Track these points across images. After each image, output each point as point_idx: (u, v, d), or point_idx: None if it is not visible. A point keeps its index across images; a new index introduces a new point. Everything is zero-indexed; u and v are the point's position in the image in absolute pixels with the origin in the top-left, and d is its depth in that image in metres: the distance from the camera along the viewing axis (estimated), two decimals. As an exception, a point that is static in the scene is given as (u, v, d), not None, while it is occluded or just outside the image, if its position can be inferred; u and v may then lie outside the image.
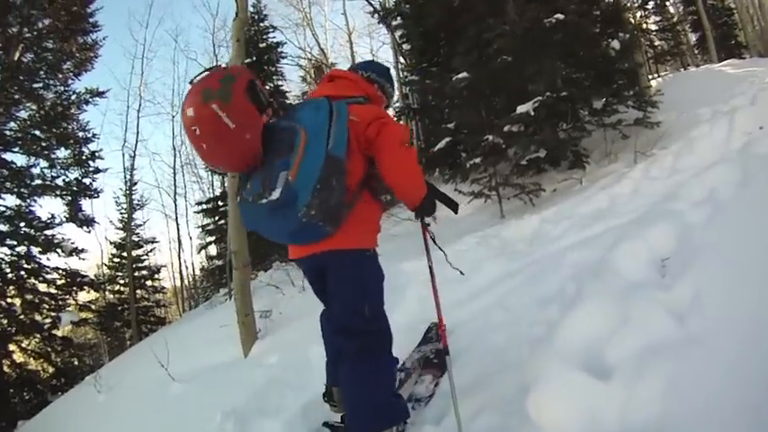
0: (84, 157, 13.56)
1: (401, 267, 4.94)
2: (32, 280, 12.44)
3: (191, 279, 23.46)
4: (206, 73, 2.05)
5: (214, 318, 7.49)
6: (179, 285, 22.96)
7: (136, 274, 18.30)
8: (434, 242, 2.54)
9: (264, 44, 12.72)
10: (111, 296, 18.47)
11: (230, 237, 5.95)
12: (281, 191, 1.88)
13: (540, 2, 6.60)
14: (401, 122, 7.97)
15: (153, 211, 30.67)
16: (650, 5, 18.69)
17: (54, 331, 12.34)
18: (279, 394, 3.58)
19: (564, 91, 6.10)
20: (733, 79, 8.97)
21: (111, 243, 20.03)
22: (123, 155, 19.07)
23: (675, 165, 5.67)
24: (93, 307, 14.39)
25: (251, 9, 13.30)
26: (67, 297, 12.95)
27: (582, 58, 6.89)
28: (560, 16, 6.26)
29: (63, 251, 12.45)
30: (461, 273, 2.79)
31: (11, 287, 12.04)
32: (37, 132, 12.73)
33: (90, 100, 13.83)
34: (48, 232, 12.48)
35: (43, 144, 12.76)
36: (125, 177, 18.99)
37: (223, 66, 2.25)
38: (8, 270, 11.99)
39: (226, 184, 8.35)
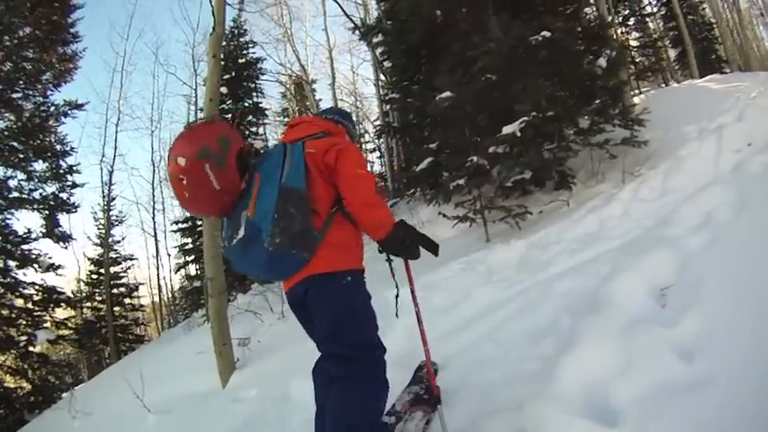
0: (61, 171, 13.39)
1: (385, 295, 4.71)
2: (9, 295, 12.12)
3: (169, 297, 22.97)
4: (202, 125, 2.29)
5: (191, 343, 7.26)
6: (157, 303, 22.45)
7: (114, 291, 17.99)
8: (393, 276, 2.41)
9: (244, 60, 12.49)
10: (89, 313, 18.09)
11: (206, 263, 5.71)
12: (245, 227, 2.01)
13: (525, 19, 6.47)
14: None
15: (131, 227, 30.15)
16: (631, 22, 18.88)
17: (30, 348, 12.00)
18: (258, 432, 3.39)
19: (550, 110, 5.92)
20: (718, 95, 8.92)
21: (88, 259, 19.69)
22: (101, 169, 18.82)
23: (665, 185, 5.54)
24: (69, 324, 14.04)
25: (231, 24, 13.19)
26: (44, 313, 12.64)
27: (567, 76, 6.75)
28: (547, 34, 6.13)
29: (40, 266, 12.23)
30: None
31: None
32: (15, 144, 12.48)
33: (68, 112, 13.68)
34: (24, 247, 12.23)
35: (20, 156, 12.51)
36: (103, 192, 18.72)
37: (217, 120, 2.46)
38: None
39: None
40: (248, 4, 16.74)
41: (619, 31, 16.23)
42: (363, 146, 21.78)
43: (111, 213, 18.67)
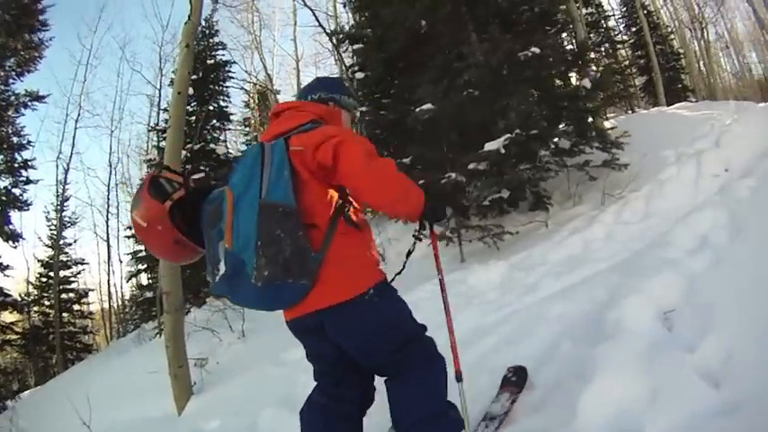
0: (16, 165, 12.78)
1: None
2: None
3: (120, 305, 22.02)
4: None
5: (142, 359, 6.76)
6: (107, 310, 21.52)
7: (63, 296, 17.01)
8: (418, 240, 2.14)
9: (213, 61, 12.09)
10: (36, 317, 17.07)
11: (161, 275, 5.27)
12: (224, 261, 1.74)
13: (515, 33, 6.34)
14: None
15: (84, 229, 28.73)
16: (603, 49, 19.21)
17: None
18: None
19: (534, 128, 5.78)
20: (692, 121, 9.03)
21: (38, 261, 18.58)
22: (57, 166, 18.05)
23: (648, 208, 5.57)
24: (16, 328, 13.60)
25: (203, 23, 12.80)
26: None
27: (551, 95, 6.65)
28: (536, 50, 5.99)
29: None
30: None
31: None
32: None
33: (29, 103, 13.09)
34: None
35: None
36: (57, 191, 17.91)
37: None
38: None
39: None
40: (222, 2, 16.38)
41: (591, 56, 16.45)
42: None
43: (63, 214, 17.86)
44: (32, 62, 13.46)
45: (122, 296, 22.14)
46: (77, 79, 19.93)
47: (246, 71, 21.11)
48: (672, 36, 22.33)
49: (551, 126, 6.41)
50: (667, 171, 6.38)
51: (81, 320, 18.21)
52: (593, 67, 7.70)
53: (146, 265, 11.58)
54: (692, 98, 18.87)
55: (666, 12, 25.27)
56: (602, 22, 19.68)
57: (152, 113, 19.85)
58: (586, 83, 6.54)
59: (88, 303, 19.09)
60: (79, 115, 19.00)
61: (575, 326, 3.05)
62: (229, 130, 14.45)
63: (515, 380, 2.64)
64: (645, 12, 19.63)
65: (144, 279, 13.23)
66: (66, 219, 18.29)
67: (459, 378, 2.04)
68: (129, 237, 13.29)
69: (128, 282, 16.95)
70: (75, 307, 17.93)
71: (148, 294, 12.11)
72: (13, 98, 12.81)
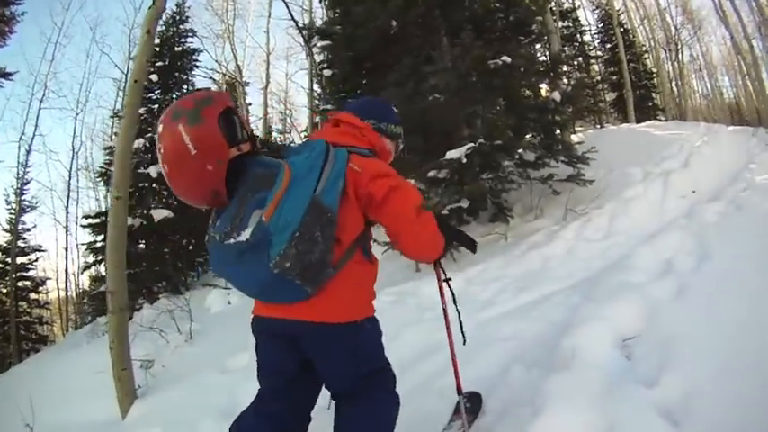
0: (-24, 144, 12.10)
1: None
2: None
3: (78, 295, 21.35)
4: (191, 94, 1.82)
5: (91, 356, 6.45)
6: (64, 300, 20.87)
7: (19, 284, 16.24)
8: (449, 286, 2.39)
9: (181, 48, 11.76)
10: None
11: (108, 272, 4.97)
12: (252, 231, 1.59)
13: (487, 40, 6.20)
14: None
15: (43, 215, 27.81)
16: (576, 63, 19.39)
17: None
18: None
19: (499, 139, 5.63)
20: (661, 141, 9.09)
21: (-6, 245, 17.84)
22: (19, 148, 17.63)
23: (611, 226, 5.49)
24: None
25: (174, 8, 12.46)
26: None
27: (520, 105, 6.54)
28: (507, 59, 5.84)
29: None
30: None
31: None
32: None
33: (-5, 80, 12.30)
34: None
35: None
36: (18, 173, 17.45)
37: (212, 89, 1.74)
38: None
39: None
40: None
41: (564, 68, 16.61)
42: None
43: (23, 198, 17.30)
44: (2, 37, 12.81)
45: (80, 286, 21.55)
46: (45, 58, 19.34)
47: (217, 60, 20.87)
48: (646, 55, 22.68)
49: (517, 137, 6.29)
50: (633, 189, 6.34)
51: (38, 310, 17.60)
52: (565, 81, 7.59)
53: (101, 257, 11.16)
54: (662, 117, 19.19)
55: (643, 31, 25.74)
56: (578, 36, 19.90)
57: (118, 98, 19.29)
58: (556, 96, 6.43)
59: (46, 292, 18.57)
60: (44, 95, 18.71)
61: (528, 349, 2.99)
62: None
63: (469, 406, 2.53)
64: (621, 29, 19.88)
65: (101, 270, 12.78)
66: (26, 203, 17.69)
67: (459, 392, 2.36)
68: (84, 226, 12.78)
69: (82, 273, 16.47)
70: (32, 296, 17.24)
71: (103, 288, 11.70)
72: (-23, 74, 12.13)
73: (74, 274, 21.48)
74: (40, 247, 17.98)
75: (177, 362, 5.66)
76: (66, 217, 20.05)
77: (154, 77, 11.17)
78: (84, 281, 20.37)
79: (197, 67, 12.79)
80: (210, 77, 18.44)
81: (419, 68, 6.17)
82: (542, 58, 7.90)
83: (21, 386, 5.87)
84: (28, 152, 17.38)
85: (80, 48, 48.75)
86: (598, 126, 18.02)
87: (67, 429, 4.67)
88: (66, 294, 20.63)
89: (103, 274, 12.37)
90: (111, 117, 18.39)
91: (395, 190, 1.78)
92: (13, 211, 17.30)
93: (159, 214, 9.76)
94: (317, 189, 1.66)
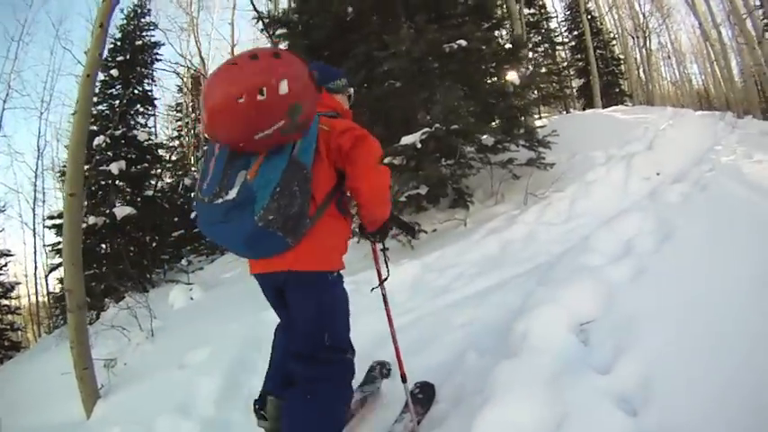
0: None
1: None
2: None
3: (49, 299, 20.88)
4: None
5: (60, 359, 6.34)
6: (35, 305, 20.39)
7: (-13, 290, 15.81)
8: (386, 264, 2.53)
9: (141, 42, 11.52)
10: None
11: (65, 269, 4.83)
12: (238, 190, 1.78)
13: (442, 25, 6.11)
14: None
15: (11, 218, 27.18)
16: (541, 49, 19.47)
17: None
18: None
19: (455, 124, 5.56)
20: (625, 124, 9.11)
21: (-39, 252, 17.31)
22: (-17, 149, 16.77)
23: (572, 209, 5.44)
24: None
25: (135, 1, 12.21)
26: None
27: (477, 90, 6.48)
28: (463, 43, 5.76)
29: None
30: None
31: None
32: None
33: (-41, 81, 12.00)
34: None
35: None
36: (-17, 176, 16.66)
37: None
38: None
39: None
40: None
41: (529, 55, 16.67)
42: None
43: (-10, 201, 16.52)
44: (-35, 35, 12.56)
45: (50, 290, 20.98)
46: (9, 57, 18.83)
47: (181, 54, 20.48)
48: (613, 42, 22.85)
49: (480, 122, 6.23)
50: (595, 172, 6.32)
51: (9, 316, 17.11)
52: (526, 65, 7.57)
53: (65, 259, 10.96)
54: (629, 103, 19.34)
55: (611, 18, 25.93)
56: (544, 23, 19.94)
57: (82, 95, 18.79)
58: (514, 79, 6.38)
59: (17, 297, 17.95)
60: (8, 95, 18.14)
61: (483, 335, 2.96)
62: (155, 115, 13.86)
63: (421, 397, 2.55)
64: (588, 16, 19.96)
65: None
66: (-7, 206, 17.08)
67: (404, 380, 2.37)
68: (49, 227, 12.48)
69: (47, 276, 16.08)
70: (3, 302, 16.79)
71: (70, 290, 11.46)
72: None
73: (43, 278, 20.90)
74: (9, 251, 17.65)
75: (139, 360, 5.58)
76: (34, 219, 19.52)
77: (114, 72, 10.98)
78: (53, 283, 20.08)
79: (159, 60, 12.60)
80: (174, 71, 18.09)
81: (373, 54, 6.07)
82: (506, 45, 7.81)
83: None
84: (-7, 154, 16.77)
85: (44, 45, 47.54)
86: (564, 112, 18.14)
87: (35, 429, 4.62)
88: (37, 298, 20.12)
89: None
90: (73, 114, 17.99)
91: (360, 139, 1.94)
92: (-22, 216, 16.83)
93: (122, 212, 9.59)
94: (293, 150, 1.83)
